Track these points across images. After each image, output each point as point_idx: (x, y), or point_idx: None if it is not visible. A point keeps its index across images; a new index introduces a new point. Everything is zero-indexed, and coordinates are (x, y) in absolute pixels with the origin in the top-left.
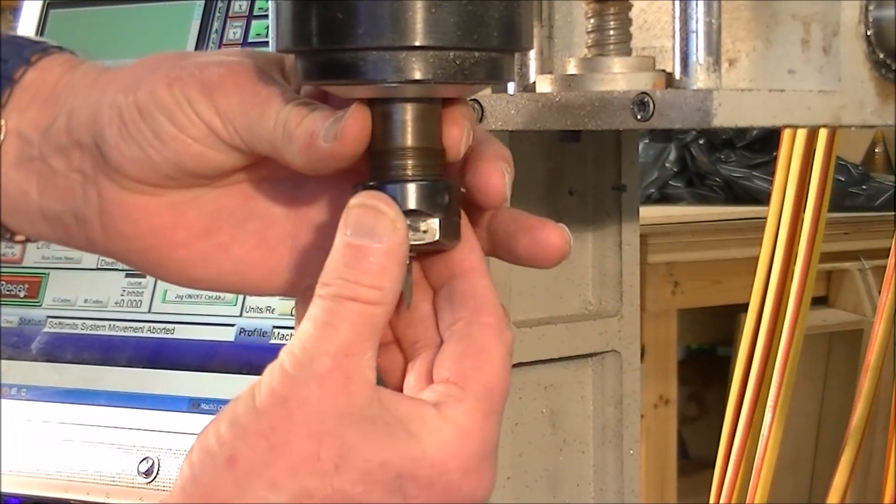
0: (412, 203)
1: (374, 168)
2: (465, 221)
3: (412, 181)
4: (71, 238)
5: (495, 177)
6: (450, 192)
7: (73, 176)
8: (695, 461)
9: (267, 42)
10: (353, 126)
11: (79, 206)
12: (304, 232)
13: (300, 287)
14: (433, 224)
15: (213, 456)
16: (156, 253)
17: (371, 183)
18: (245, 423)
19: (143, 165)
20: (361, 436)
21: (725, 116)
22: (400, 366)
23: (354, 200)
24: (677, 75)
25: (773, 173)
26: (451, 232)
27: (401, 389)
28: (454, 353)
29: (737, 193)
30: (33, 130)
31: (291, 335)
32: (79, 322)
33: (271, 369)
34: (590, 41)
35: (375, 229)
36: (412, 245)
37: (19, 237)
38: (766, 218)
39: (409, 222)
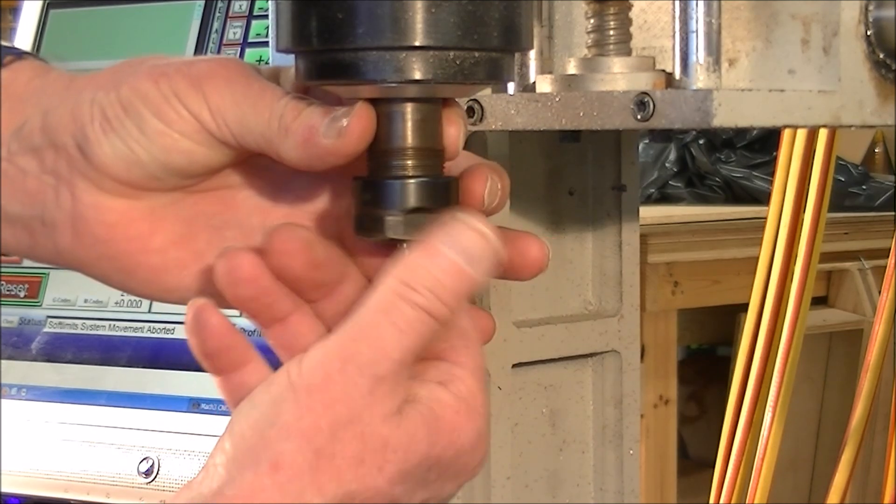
0: (413, 200)
1: (375, 168)
2: None
3: (413, 178)
4: (35, 246)
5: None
6: (449, 189)
7: (44, 178)
8: (695, 461)
9: (267, 42)
10: (358, 124)
11: (48, 210)
12: None
13: None
14: (432, 220)
15: (255, 457)
16: (129, 259)
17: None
18: (288, 421)
19: (128, 163)
20: (403, 435)
21: (725, 116)
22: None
23: (470, 220)
24: (677, 75)
25: (773, 173)
26: None
27: None
28: (446, 334)
29: (737, 193)
30: (3, 131)
31: None
32: (79, 322)
33: (326, 354)
34: (590, 41)
35: (482, 261)
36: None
37: None
38: (766, 218)
39: (409, 218)
